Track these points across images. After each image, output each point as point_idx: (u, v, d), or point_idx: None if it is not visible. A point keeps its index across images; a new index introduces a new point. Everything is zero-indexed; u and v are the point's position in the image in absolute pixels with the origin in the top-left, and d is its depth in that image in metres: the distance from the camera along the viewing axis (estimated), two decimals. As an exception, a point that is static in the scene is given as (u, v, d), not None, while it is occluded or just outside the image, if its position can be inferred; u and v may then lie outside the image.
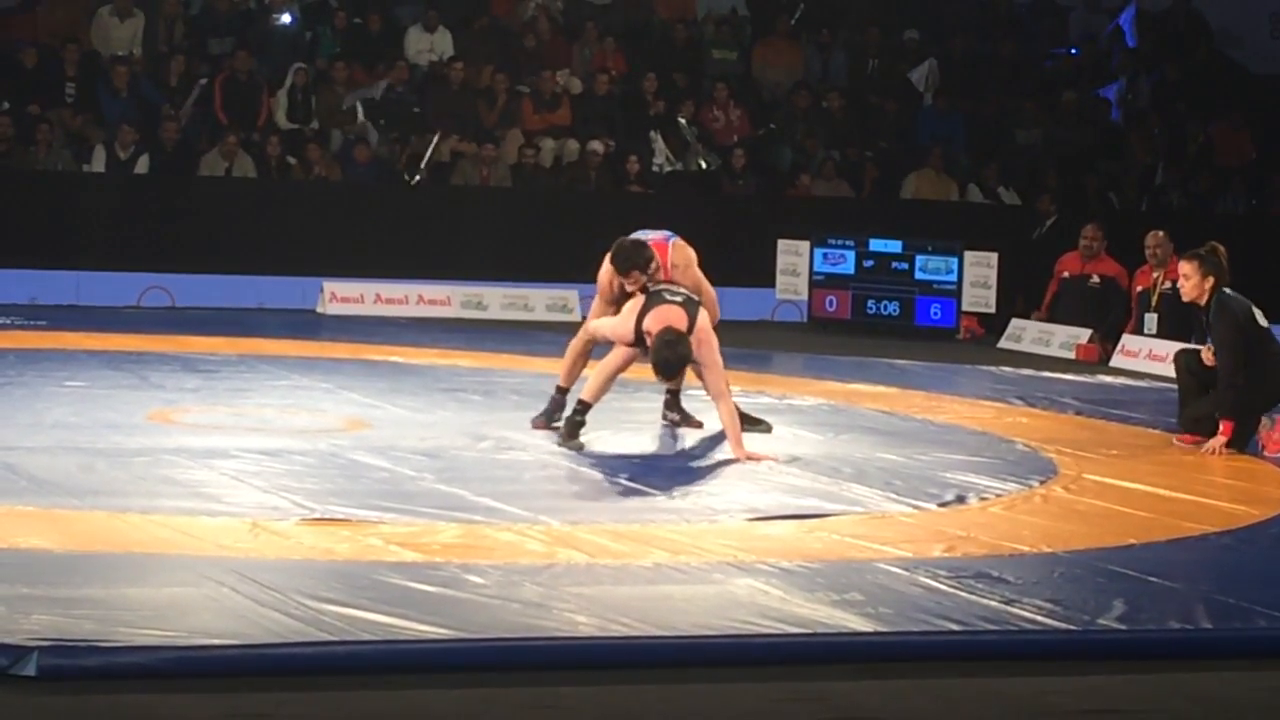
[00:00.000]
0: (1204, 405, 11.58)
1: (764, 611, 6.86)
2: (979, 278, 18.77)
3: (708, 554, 7.88)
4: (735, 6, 23.27)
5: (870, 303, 19.12)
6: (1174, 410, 12.13)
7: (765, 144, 21.81)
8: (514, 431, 10.96)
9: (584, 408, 10.64)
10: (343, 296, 18.62)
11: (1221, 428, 11.34)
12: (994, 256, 18.73)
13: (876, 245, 19.14)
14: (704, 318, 10.52)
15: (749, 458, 10.32)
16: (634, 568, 7.60)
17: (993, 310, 18.75)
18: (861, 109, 22.51)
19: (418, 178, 20.04)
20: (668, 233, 11.06)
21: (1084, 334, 17.36)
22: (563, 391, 11.12)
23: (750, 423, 10.97)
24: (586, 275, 11.72)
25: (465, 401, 12.30)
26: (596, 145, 20.65)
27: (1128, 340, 16.79)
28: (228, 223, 19.10)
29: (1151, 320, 16.73)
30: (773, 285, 19.61)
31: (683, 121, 21.29)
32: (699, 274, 11.02)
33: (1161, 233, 16.80)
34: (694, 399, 11.45)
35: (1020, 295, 19.03)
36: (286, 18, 21.33)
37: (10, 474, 8.94)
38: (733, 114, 21.72)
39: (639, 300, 10.56)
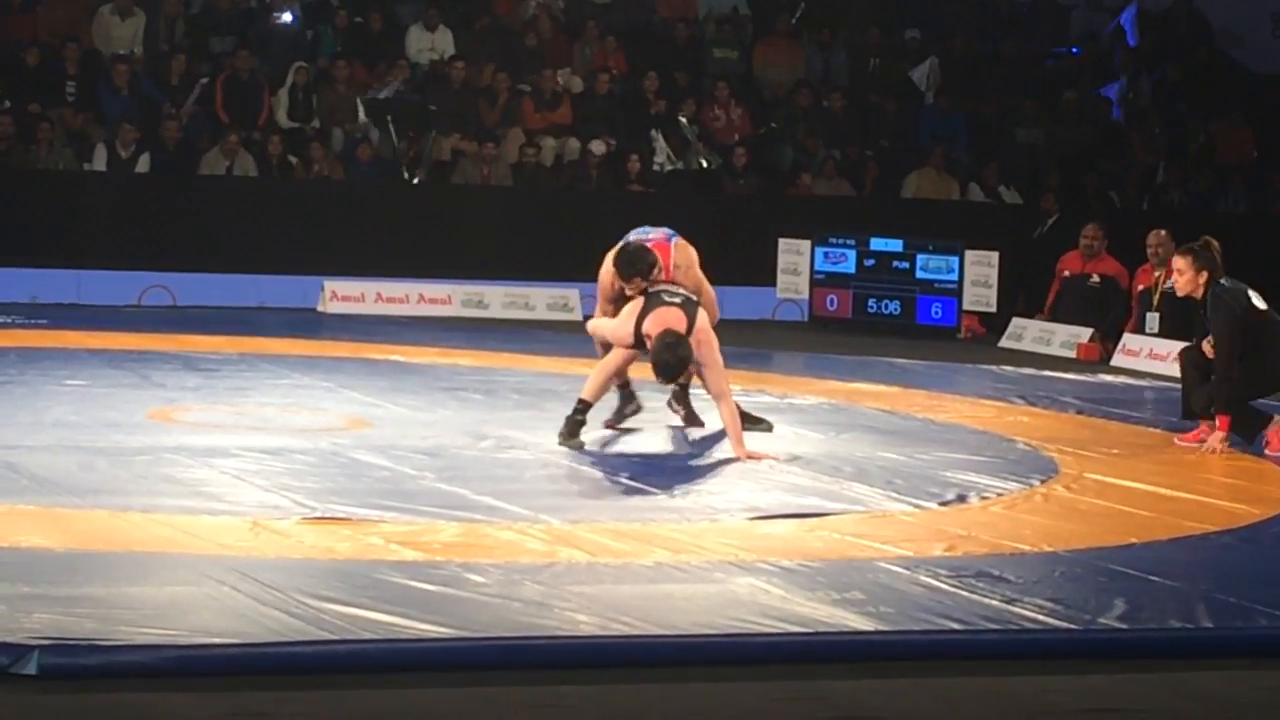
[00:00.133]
0: (1206, 393, 11.59)
1: (765, 610, 6.86)
2: (980, 277, 18.77)
3: (709, 553, 7.88)
4: (736, 5, 23.25)
5: (871, 302, 19.11)
6: (1175, 409, 12.13)
7: (766, 143, 21.81)
8: (515, 430, 10.96)
9: (584, 407, 10.63)
10: (344, 295, 18.61)
11: (1218, 423, 11.35)
12: (995, 255, 18.73)
13: (877, 244, 19.14)
14: (703, 318, 10.51)
15: (750, 457, 10.32)
16: (635, 567, 7.60)
17: (994, 309, 18.75)
18: (862, 108, 22.51)
19: (419, 179, 20.03)
20: (669, 231, 11.05)
21: (1085, 333, 17.36)
22: (625, 388, 11.21)
23: (751, 422, 10.97)
24: (587, 274, 11.72)
25: (466, 400, 12.30)
26: (597, 144, 20.65)
27: (1129, 339, 16.78)
28: (229, 222, 19.09)
29: (1153, 319, 16.72)
30: (774, 284, 19.61)
31: (684, 120, 21.28)
32: (700, 274, 11.02)
33: (1164, 232, 16.79)
34: (695, 398, 11.44)
35: (1021, 294, 19.03)
36: (288, 16, 21.32)
37: (11, 473, 8.94)
38: (734, 113, 21.72)
39: (638, 302, 10.55)
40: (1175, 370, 12.13)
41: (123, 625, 6.20)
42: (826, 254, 19.31)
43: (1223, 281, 11.41)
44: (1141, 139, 22.95)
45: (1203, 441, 11.45)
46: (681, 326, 10.37)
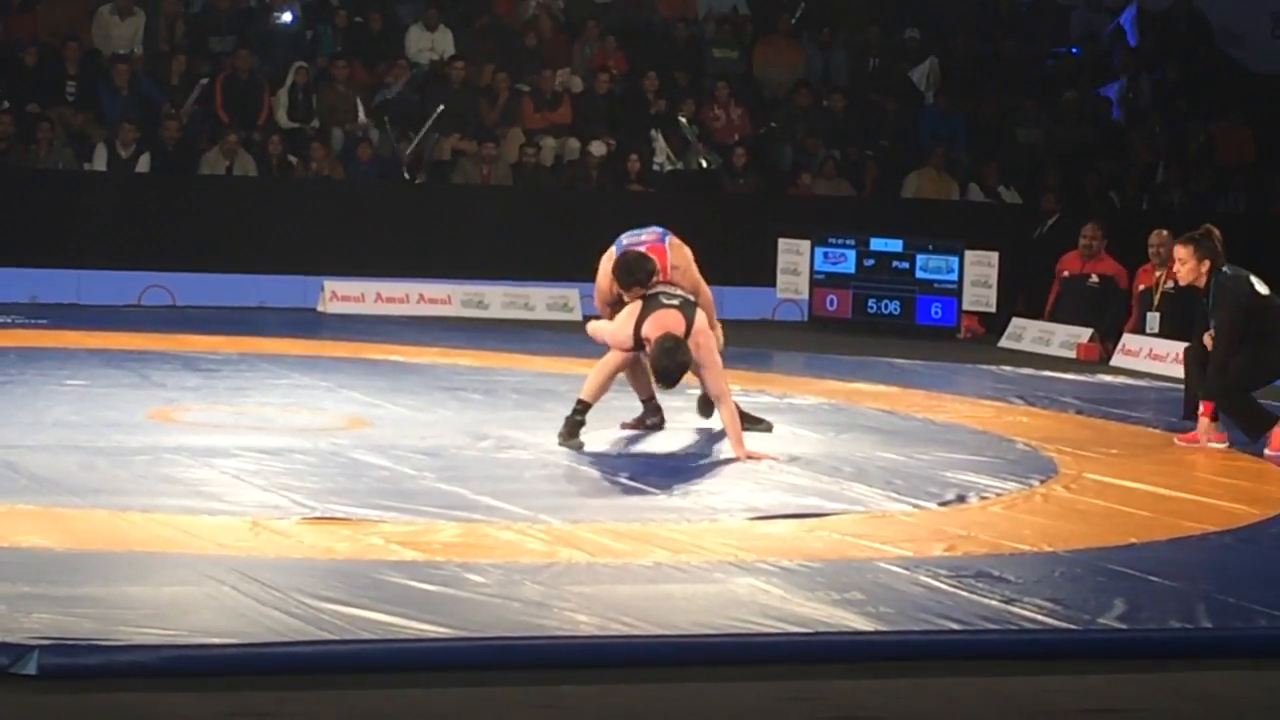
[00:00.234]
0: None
1: (765, 610, 6.86)
2: (980, 277, 18.77)
3: (708, 553, 7.88)
4: (736, 5, 23.27)
5: (871, 302, 19.11)
6: (1175, 409, 12.13)
7: (766, 143, 21.81)
8: (514, 430, 10.96)
9: (583, 407, 10.63)
10: (343, 295, 18.61)
11: (1201, 408, 11.38)
12: (995, 255, 18.73)
13: (877, 244, 19.14)
14: (701, 319, 10.51)
15: (749, 457, 10.32)
16: (635, 567, 7.60)
17: (993, 309, 18.75)
18: (862, 108, 22.52)
19: (419, 178, 20.03)
20: (661, 230, 11.02)
21: (1085, 333, 17.36)
22: (651, 400, 11.24)
23: (751, 422, 10.97)
24: (587, 274, 11.71)
25: (466, 400, 12.30)
26: (597, 144, 20.65)
27: (1128, 339, 16.79)
28: (228, 221, 19.10)
29: (1154, 319, 16.72)
30: (773, 284, 19.60)
31: (683, 120, 21.28)
32: (697, 274, 11.00)
33: (1165, 231, 16.77)
34: (693, 399, 11.44)
35: (1021, 294, 19.04)
36: (287, 16, 21.33)
37: (11, 472, 8.94)
38: (733, 113, 21.72)
39: (636, 305, 10.55)
40: (1175, 370, 12.15)
41: (122, 625, 6.20)
42: (826, 254, 19.31)
43: (1225, 269, 11.41)
44: (1141, 139, 22.95)
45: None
46: (680, 329, 10.37)
